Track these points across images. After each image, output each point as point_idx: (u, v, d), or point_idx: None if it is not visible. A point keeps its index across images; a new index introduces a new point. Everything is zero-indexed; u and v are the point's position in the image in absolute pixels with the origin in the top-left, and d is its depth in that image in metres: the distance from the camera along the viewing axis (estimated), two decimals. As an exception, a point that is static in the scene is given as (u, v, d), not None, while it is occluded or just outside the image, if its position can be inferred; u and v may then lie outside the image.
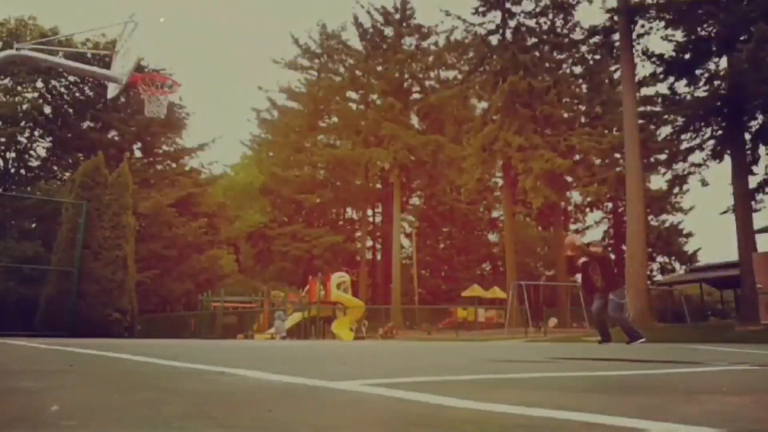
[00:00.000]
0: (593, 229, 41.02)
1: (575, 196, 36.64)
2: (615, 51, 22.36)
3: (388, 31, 38.56)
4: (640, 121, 19.97)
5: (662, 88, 21.59)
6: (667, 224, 37.20)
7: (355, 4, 41.14)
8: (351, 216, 45.35)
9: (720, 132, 21.05)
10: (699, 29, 19.31)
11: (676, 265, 37.44)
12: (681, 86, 21.04)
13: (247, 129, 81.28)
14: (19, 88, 29.61)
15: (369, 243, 42.88)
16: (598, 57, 26.07)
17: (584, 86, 30.51)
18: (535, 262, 42.87)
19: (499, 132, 27.46)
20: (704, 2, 17.94)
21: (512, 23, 29.13)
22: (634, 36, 19.75)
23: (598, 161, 29.16)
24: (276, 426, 1.27)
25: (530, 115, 27.42)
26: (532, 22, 29.05)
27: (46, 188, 28.97)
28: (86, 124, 31.90)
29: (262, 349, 6.91)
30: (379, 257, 43.62)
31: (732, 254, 19.45)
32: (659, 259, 37.87)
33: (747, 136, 20.57)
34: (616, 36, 20.95)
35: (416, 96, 38.10)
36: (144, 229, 27.94)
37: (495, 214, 45.29)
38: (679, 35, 19.95)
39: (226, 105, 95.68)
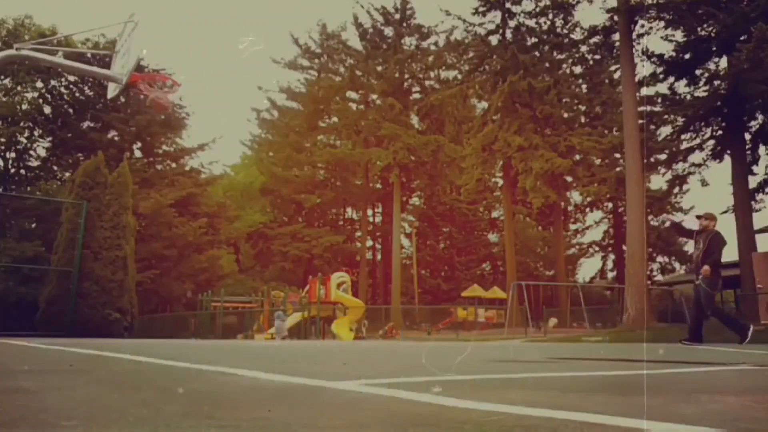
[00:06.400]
0: (593, 228, 41.03)
1: (575, 196, 36.64)
2: (615, 51, 22.36)
3: (388, 31, 38.53)
4: (640, 121, 19.96)
5: (662, 88, 21.63)
6: (667, 224, 37.13)
7: (355, 4, 41.04)
8: (351, 216, 45.33)
9: (720, 132, 21.06)
10: (699, 29, 19.31)
11: (676, 265, 37.42)
12: (681, 86, 21.07)
13: (247, 129, 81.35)
14: (18, 88, 29.60)
15: (369, 243, 42.86)
16: (598, 57, 26.04)
17: (584, 86, 30.45)
18: (535, 262, 42.83)
19: (498, 132, 27.45)
20: (704, 2, 17.94)
21: (512, 23, 29.10)
22: (634, 36, 19.75)
23: (598, 161, 29.12)
24: (276, 426, 1.27)
25: (530, 115, 27.39)
26: (532, 22, 29.01)
27: (46, 188, 28.99)
28: (86, 124, 31.88)
29: (261, 349, 6.91)
30: (379, 257, 43.60)
31: (732, 254, 19.44)
32: (659, 259, 37.82)
33: (747, 136, 20.58)
34: (616, 36, 20.95)
35: (416, 96, 38.06)
36: (144, 229, 27.91)
37: (495, 214, 45.29)
38: (679, 35, 19.97)
39: (226, 105, 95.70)
